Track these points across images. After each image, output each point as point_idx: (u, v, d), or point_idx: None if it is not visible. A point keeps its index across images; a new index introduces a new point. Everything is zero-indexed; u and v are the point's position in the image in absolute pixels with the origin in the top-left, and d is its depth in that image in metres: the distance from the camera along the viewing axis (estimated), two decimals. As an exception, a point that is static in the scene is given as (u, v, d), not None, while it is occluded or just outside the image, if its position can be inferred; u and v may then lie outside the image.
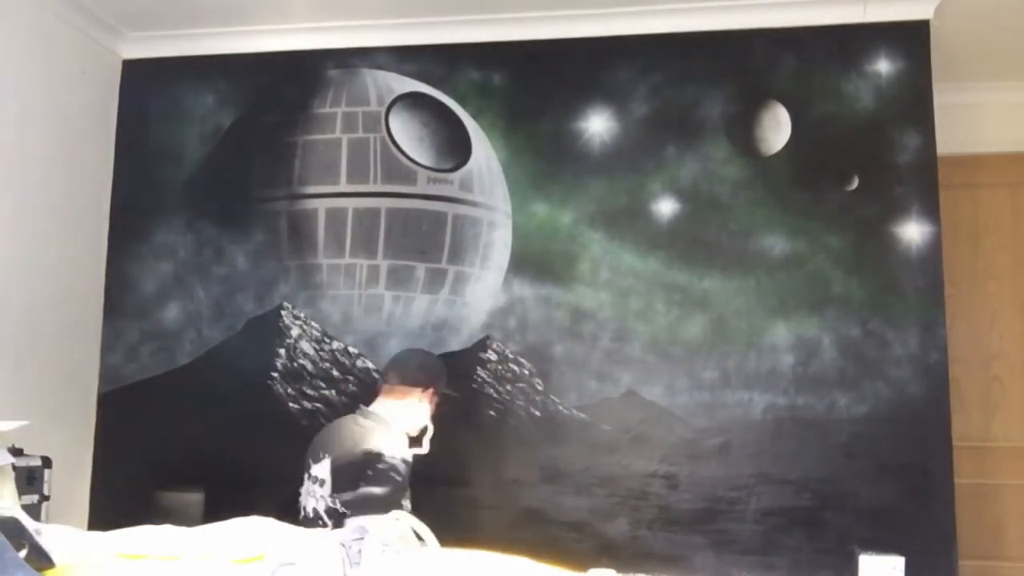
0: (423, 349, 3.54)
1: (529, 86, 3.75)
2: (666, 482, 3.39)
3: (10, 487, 1.68)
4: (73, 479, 3.62)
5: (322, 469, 2.91)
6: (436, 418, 3.13)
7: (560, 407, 3.56)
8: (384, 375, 3.27)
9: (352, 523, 1.19)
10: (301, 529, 1.22)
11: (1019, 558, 3.93)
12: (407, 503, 2.94)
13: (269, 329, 3.74)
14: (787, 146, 3.55)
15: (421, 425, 3.10)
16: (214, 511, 2.95)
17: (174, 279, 3.88)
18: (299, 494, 2.97)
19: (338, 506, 2.83)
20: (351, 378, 3.71)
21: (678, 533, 3.40)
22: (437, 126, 3.80)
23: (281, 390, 3.74)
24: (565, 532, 3.46)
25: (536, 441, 3.55)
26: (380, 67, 3.86)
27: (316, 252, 3.78)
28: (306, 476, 2.95)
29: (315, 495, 2.88)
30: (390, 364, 3.33)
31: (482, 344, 3.65)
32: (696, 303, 3.52)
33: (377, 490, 2.84)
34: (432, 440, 3.30)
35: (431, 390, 3.16)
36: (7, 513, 1.10)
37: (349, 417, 3.12)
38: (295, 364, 3.74)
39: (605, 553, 3.39)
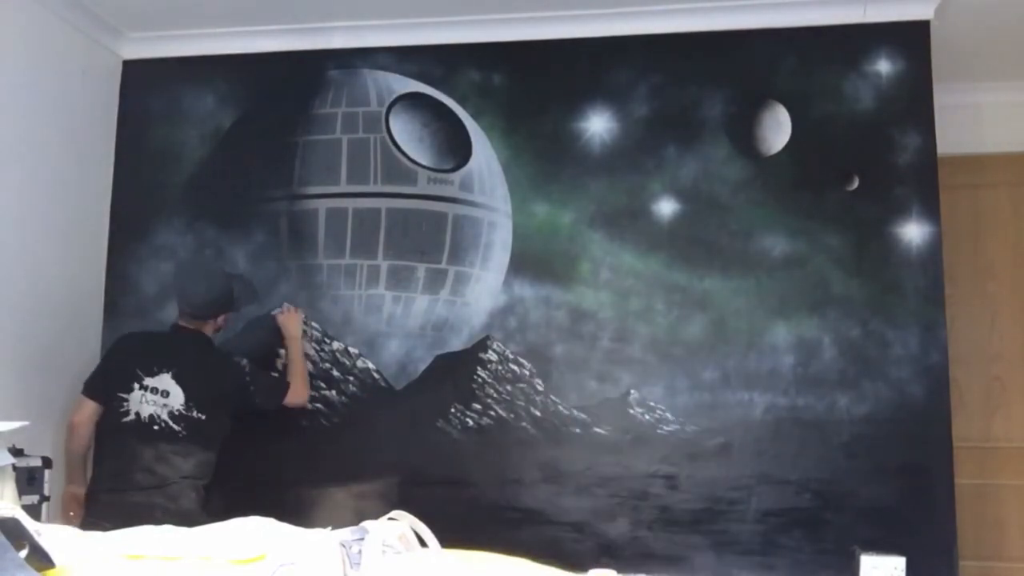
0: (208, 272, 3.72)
1: (529, 86, 3.76)
2: (666, 482, 3.39)
3: (10, 487, 1.68)
4: (73, 479, 3.61)
5: (160, 381, 3.25)
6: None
7: (560, 407, 3.56)
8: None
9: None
10: (302, 529, 1.22)
11: (1020, 558, 3.93)
12: None
13: (269, 329, 3.74)
14: (787, 146, 3.55)
15: None
16: (213, 511, 2.96)
17: (174, 279, 3.87)
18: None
19: (193, 412, 3.24)
20: (351, 378, 3.71)
21: (678, 533, 3.40)
22: (437, 126, 3.80)
23: (281, 390, 3.73)
24: (565, 532, 3.46)
25: (536, 441, 3.55)
26: (380, 67, 3.86)
27: (316, 252, 3.78)
28: (137, 386, 3.24)
29: (155, 404, 3.23)
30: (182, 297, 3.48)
31: (482, 344, 3.64)
32: (696, 303, 3.52)
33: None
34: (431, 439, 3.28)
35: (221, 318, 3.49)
36: (7, 513, 1.09)
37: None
38: (295, 364, 3.73)
39: (605, 553, 3.39)
